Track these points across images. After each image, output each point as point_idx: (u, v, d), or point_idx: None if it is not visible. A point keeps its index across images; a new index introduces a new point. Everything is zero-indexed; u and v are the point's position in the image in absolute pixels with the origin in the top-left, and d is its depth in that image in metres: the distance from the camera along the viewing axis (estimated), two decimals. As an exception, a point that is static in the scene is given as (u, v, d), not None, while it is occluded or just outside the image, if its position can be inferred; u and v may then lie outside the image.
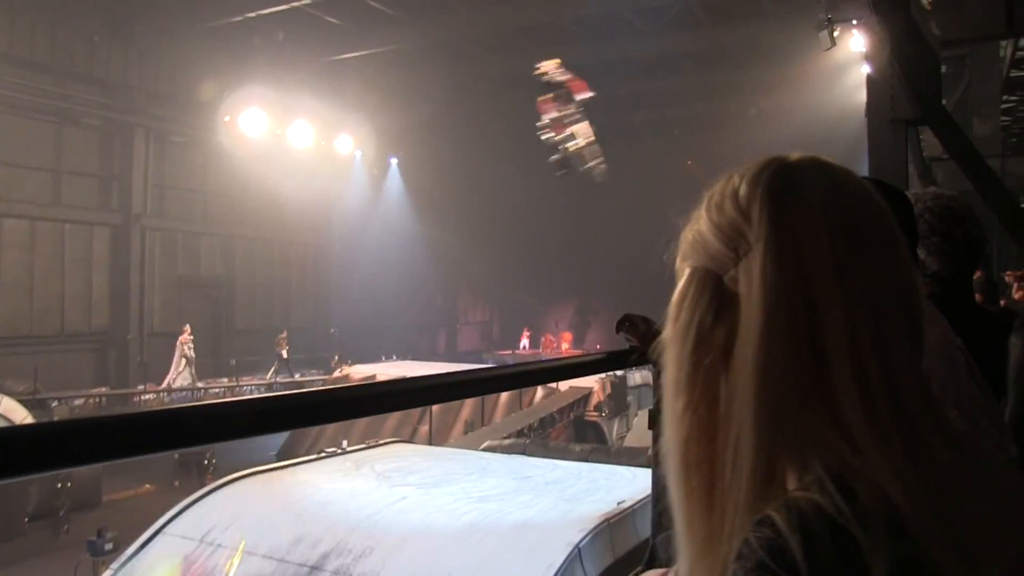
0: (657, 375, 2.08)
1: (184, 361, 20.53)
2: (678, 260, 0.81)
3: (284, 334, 23.18)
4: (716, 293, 0.75)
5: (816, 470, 0.66)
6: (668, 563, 1.76)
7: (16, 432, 0.79)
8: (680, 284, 0.79)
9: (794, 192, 0.74)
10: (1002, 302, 4.51)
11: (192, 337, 20.66)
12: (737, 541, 0.66)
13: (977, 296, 2.98)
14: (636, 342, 1.99)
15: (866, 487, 0.64)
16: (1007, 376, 1.90)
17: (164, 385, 20.21)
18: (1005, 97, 18.70)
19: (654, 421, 2.11)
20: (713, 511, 0.72)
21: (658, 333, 1.93)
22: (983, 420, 1.40)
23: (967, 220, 2.13)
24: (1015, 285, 4.44)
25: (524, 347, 31.62)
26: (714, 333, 0.74)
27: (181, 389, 19.94)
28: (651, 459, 2.18)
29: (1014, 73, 18.09)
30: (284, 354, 22.82)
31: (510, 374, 1.78)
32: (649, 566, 1.76)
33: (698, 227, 0.79)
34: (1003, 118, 19.12)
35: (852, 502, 0.62)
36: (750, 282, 0.72)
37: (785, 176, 0.75)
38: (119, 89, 21.45)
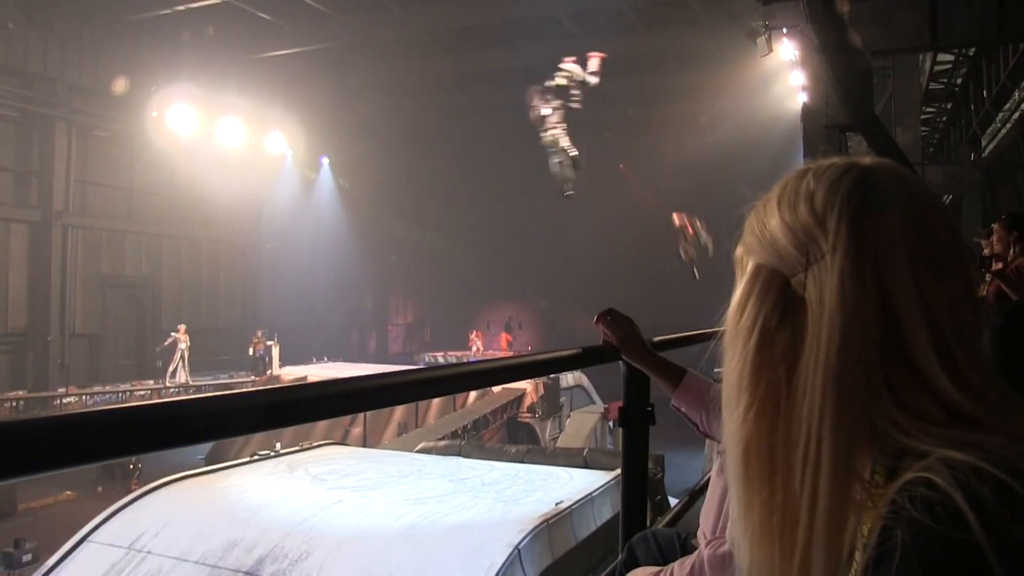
0: (628, 376, 2.07)
1: (180, 359, 20.96)
2: (740, 249, 0.81)
3: (260, 333, 23.68)
4: (782, 295, 0.75)
5: (935, 449, 0.65)
6: (648, 562, 1.75)
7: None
8: (745, 279, 0.78)
9: (874, 205, 0.73)
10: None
11: (186, 337, 21.07)
12: (851, 523, 0.66)
13: None
14: (613, 340, 1.92)
15: (1010, 451, 0.62)
16: None
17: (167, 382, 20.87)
18: (924, 108, 19.40)
19: (626, 419, 2.09)
20: (776, 503, 0.72)
21: (639, 337, 1.92)
22: None
23: None
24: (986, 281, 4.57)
25: (478, 349, 30.67)
26: (778, 334, 0.74)
27: (103, 392, 19.54)
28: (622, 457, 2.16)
29: (933, 86, 18.78)
30: (251, 353, 23.20)
31: (492, 369, 1.75)
32: (628, 566, 1.74)
33: (767, 222, 0.78)
34: (922, 128, 19.83)
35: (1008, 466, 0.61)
36: (822, 290, 0.72)
37: (865, 186, 0.75)
38: (38, 80, 20.70)
